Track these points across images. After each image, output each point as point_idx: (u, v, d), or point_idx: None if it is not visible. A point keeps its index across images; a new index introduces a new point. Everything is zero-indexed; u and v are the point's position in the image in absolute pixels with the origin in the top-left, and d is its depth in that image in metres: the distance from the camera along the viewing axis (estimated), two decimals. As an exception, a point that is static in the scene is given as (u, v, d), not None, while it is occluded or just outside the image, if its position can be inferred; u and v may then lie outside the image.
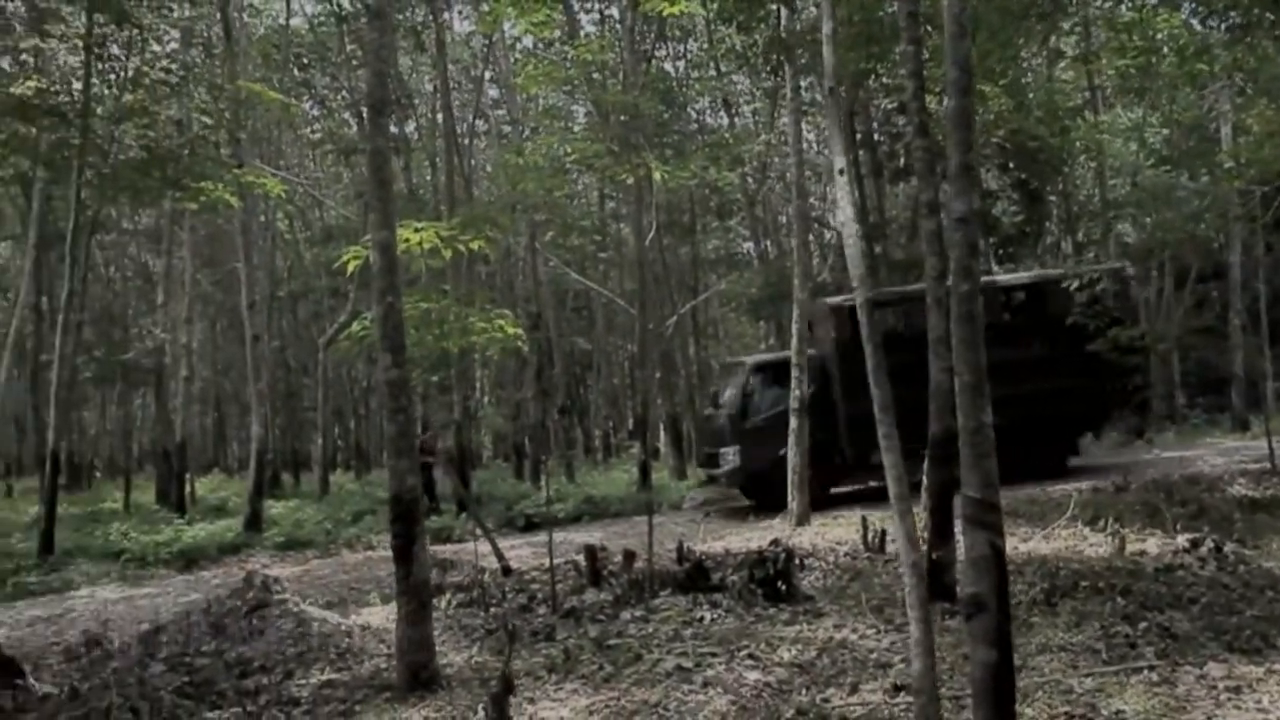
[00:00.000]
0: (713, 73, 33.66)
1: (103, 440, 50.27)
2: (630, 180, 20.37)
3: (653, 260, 26.14)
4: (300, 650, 9.21)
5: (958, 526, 6.47)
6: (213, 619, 10.19)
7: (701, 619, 9.13)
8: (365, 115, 8.30)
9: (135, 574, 17.32)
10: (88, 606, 14.85)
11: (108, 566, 17.70)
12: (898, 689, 6.74)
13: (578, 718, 6.74)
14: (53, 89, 18.87)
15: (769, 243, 34.45)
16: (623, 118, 22.03)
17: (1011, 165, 28.44)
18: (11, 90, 16.91)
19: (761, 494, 18.24)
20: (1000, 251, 29.85)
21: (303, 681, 8.29)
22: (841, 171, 7.52)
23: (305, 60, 31.79)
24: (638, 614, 9.46)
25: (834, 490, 18.82)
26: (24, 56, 22.07)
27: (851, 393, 17.55)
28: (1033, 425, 17.22)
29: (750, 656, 7.84)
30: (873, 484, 18.41)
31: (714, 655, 7.90)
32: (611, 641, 8.55)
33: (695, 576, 10.22)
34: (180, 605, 12.78)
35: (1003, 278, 21.80)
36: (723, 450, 19.03)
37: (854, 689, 6.91)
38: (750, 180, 32.36)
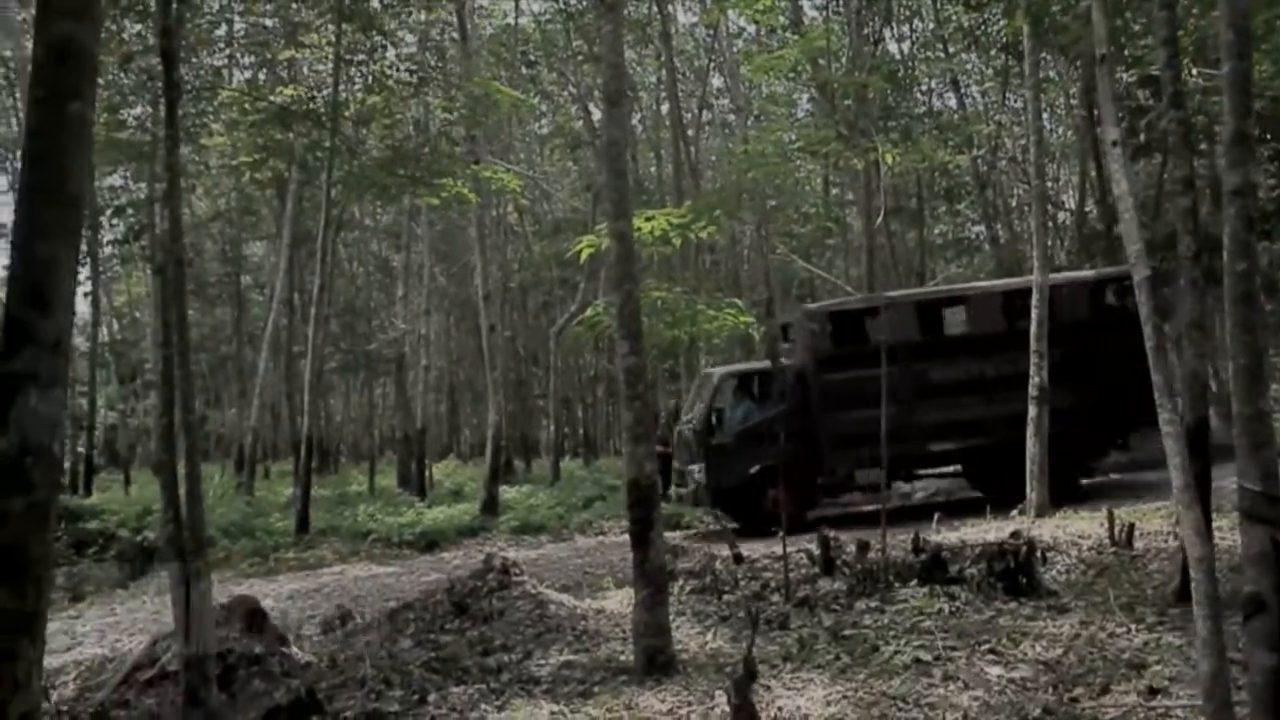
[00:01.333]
0: (941, 53, 32.79)
1: (347, 427, 53.09)
2: (861, 165, 20.06)
3: (880, 246, 25.68)
4: (539, 631, 9.47)
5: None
6: (455, 599, 10.56)
7: (939, 611, 8.92)
8: (602, 106, 8.39)
9: (381, 553, 18.17)
10: (339, 582, 15.68)
11: (356, 545, 18.65)
12: (1153, 692, 6.41)
13: (815, 707, 6.68)
14: (306, 96, 19.99)
15: (1000, 226, 33.37)
16: (849, 102, 21.73)
17: (1269, 135, 26.52)
18: (271, 99, 17.99)
19: (736, 515, 16.66)
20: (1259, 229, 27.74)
21: (542, 661, 8.50)
22: (1115, 143, 7.24)
23: (532, 57, 32.61)
24: (873, 604, 9.32)
25: (811, 514, 16.97)
26: (279, 69, 23.51)
27: (832, 406, 16.57)
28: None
29: (992, 651, 7.61)
30: (866, 507, 17.33)
31: (954, 649, 7.70)
32: (847, 632, 8.45)
33: (932, 568, 9.98)
34: (424, 585, 13.31)
35: (1000, 283, 19.84)
36: (689, 468, 17.50)
37: (1104, 690, 6.60)
38: (981, 162, 31.40)
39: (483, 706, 7.34)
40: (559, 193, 38.12)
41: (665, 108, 32.56)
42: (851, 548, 11.01)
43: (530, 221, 39.98)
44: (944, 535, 12.61)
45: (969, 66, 34.16)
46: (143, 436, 39.77)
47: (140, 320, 39.25)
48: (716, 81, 35.74)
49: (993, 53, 27.83)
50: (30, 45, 6.60)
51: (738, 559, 12.19)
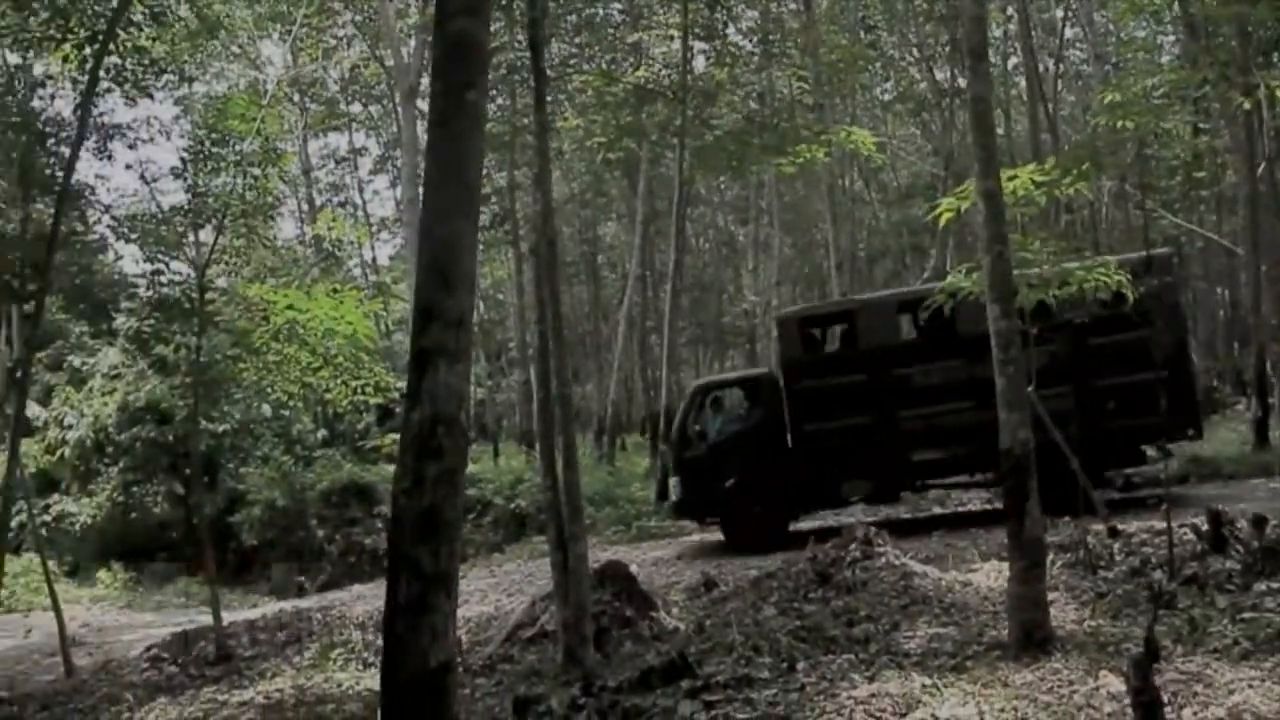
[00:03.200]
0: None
1: (698, 398, 54.18)
2: (1248, 104, 18.25)
3: (1265, 193, 23.45)
4: (904, 603, 9.32)
5: None
6: (818, 568, 10.57)
7: (1356, 595, 8.06)
8: (966, 62, 8.10)
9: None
10: (699, 549, 16.07)
11: (713, 513, 19.00)
12: None
13: (1217, 695, 6.19)
14: (656, 76, 20.52)
15: None
16: (1222, 39, 19.88)
17: None
18: (625, 80, 18.58)
19: (724, 527, 16.05)
20: None
21: (910, 634, 8.35)
22: None
23: (870, 21, 31.96)
24: (1275, 585, 8.53)
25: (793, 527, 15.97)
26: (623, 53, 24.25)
27: (804, 415, 15.25)
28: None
29: None
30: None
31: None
32: (1246, 614, 7.77)
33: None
34: (783, 554, 13.34)
35: None
36: (670, 480, 16.65)
37: None
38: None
39: (852, 676, 7.29)
40: (908, 156, 37.26)
41: (1011, 63, 31.18)
42: (1243, 524, 10.13)
43: (876, 189, 39.37)
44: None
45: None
46: (509, 411, 42.18)
47: (504, 301, 41.60)
48: (1069, 32, 33.87)
49: None
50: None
51: (1113, 533, 11.51)
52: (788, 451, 15.44)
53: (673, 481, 16.53)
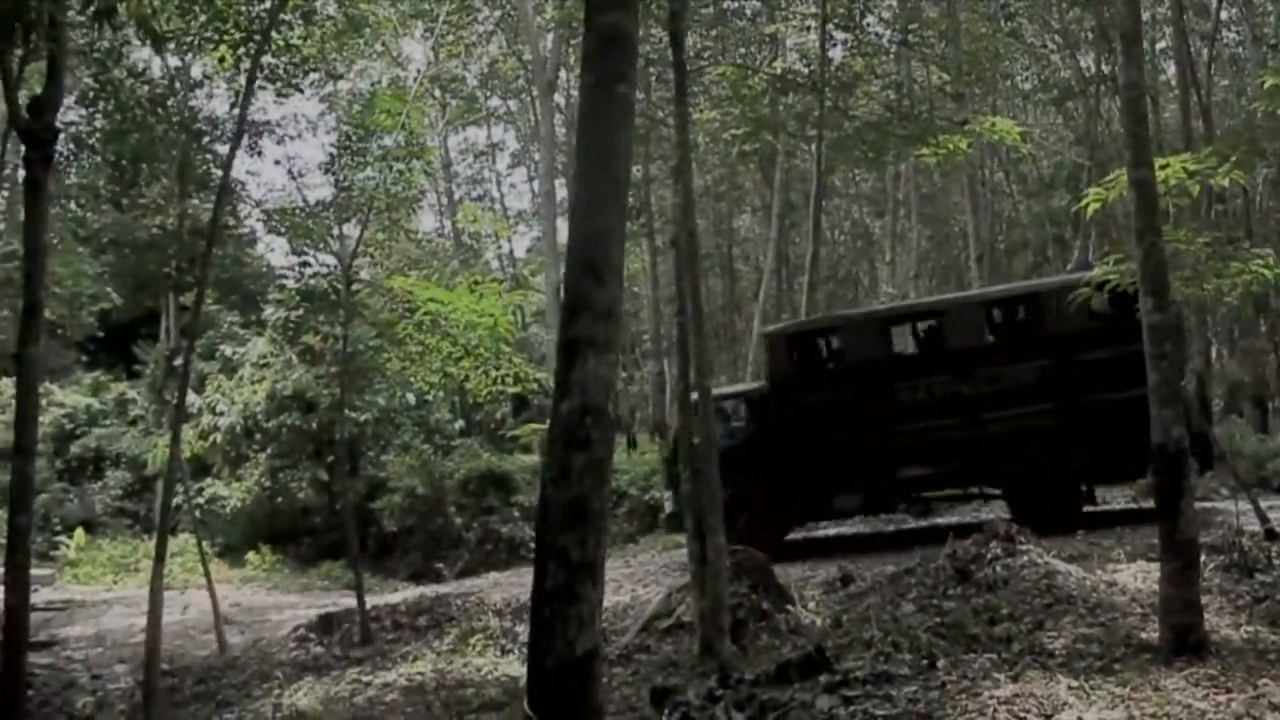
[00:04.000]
0: None
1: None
2: None
3: None
4: (1048, 602, 9.08)
5: None
6: (957, 564, 10.38)
7: None
8: (1118, 47, 7.87)
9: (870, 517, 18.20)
10: (831, 544, 15.97)
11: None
12: None
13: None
14: (793, 67, 20.37)
15: None
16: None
17: None
18: (764, 71, 18.49)
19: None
20: None
21: (1054, 634, 8.15)
22: None
23: (1012, 9, 31.18)
24: None
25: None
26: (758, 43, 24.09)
27: (794, 430, 15.15)
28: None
29: None
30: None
31: None
32: None
33: None
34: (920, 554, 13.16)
35: (994, 289, 18.49)
36: (665, 494, 17.15)
37: None
38: None
39: (995, 675, 7.17)
40: (1053, 145, 36.22)
41: (1159, 47, 30.08)
42: None
43: (1015, 180, 38.44)
44: None
45: None
46: (641, 402, 42.43)
47: (638, 293, 41.79)
48: (1223, 13, 32.50)
49: None
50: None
51: (1270, 535, 11.10)
52: (779, 466, 15.57)
53: (667, 495, 16.93)
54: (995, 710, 6.52)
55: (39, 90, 7.86)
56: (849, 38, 20.87)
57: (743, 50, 27.04)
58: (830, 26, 19.17)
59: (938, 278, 42.07)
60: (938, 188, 35.16)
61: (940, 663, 7.55)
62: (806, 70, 20.77)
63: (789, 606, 10.39)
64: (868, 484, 15.46)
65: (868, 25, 21.27)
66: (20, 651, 6.01)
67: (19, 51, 6.96)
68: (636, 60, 4.29)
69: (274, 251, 45.96)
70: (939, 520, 17.29)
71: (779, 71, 18.21)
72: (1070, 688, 6.72)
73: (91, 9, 6.90)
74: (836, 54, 21.94)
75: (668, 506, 16.76)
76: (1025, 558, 10.15)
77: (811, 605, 11.10)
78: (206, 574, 14.85)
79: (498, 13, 31.19)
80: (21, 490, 6.34)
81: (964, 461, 14.94)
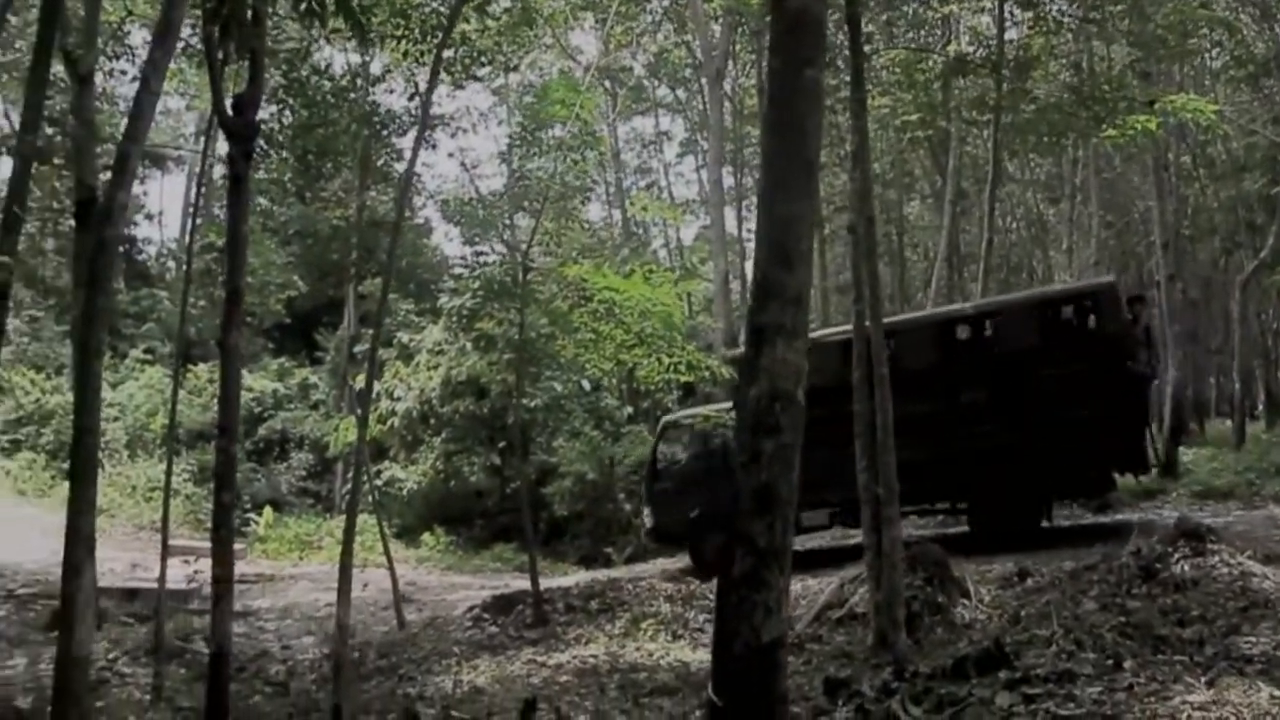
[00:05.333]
0: None
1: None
2: None
3: None
4: (1243, 605, 8.68)
5: None
6: (1142, 563, 10.03)
7: None
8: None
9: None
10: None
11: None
12: None
13: None
14: (971, 48, 19.86)
15: None
16: None
17: None
18: (939, 54, 18.09)
19: (691, 554, 16.31)
20: None
21: (1251, 639, 7.76)
22: None
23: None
24: None
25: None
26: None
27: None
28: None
29: None
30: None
31: None
32: None
33: None
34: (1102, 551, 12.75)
35: (942, 310, 18.66)
36: (644, 509, 17.74)
37: None
38: None
39: (1187, 680, 6.86)
40: (1246, 124, 34.44)
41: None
42: None
43: (1203, 163, 36.69)
44: None
45: None
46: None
47: (806, 282, 41.50)
48: None
49: None
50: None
51: None
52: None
53: (645, 510, 17.58)
54: (1189, 716, 6.26)
55: (234, 89, 8.23)
56: (1028, 16, 20.26)
57: (911, 34, 26.51)
58: (1010, 4, 18.65)
59: (1117, 265, 40.60)
60: (1118, 172, 33.81)
61: (1127, 663, 7.29)
62: (982, 52, 20.24)
63: (965, 600, 10.20)
64: (832, 501, 15.10)
65: (1048, 1, 20.62)
66: (226, 619, 6.33)
67: (222, 52, 7.28)
68: (825, 44, 4.25)
69: (451, 241, 47.22)
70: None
71: (954, 54, 17.75)
72: (1273, 697, 6.37)
73: (303, 5, 7.19)
74: (1012, 34, 21.35)
75: (648, 522, 17.40)
76: (1216, 558, 9.74)
77: (987, 600, 10.87)
78: (387, 553, 15.37)
79: (666, 2, 31.27)
80: (225, 469, 6.66)
81: (930, 477, 14.55)
